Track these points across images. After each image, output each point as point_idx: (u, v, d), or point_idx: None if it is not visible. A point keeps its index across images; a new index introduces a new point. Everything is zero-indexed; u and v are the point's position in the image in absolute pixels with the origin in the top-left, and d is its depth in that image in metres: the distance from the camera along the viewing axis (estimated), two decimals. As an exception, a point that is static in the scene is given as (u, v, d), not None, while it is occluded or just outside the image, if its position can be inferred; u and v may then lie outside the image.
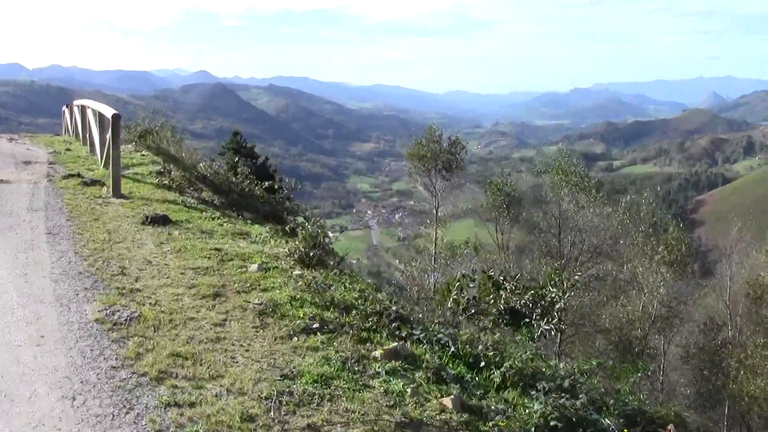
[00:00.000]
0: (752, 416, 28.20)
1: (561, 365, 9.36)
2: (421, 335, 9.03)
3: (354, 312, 9.46)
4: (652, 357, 30.28)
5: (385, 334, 8.94)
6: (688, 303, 33.08)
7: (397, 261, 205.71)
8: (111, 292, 9.52)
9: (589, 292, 30.04)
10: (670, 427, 8.72)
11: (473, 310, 13.63)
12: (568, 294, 14.14)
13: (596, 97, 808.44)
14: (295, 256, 11.84)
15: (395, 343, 8.48)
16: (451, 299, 13.62)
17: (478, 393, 7.87)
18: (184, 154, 20.95)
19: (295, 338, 8.40)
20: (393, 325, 9.24)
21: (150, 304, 9.14)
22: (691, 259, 34.07)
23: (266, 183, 19.26)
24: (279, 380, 7.10)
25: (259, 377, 7.15)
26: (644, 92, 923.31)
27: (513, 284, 13.98)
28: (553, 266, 30.94)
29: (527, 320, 12.82)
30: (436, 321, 11.49)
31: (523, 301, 13.36)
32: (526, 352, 9.27)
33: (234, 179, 18.74)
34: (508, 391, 8.22)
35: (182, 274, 10.55)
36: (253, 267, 10.97)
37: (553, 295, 13.25)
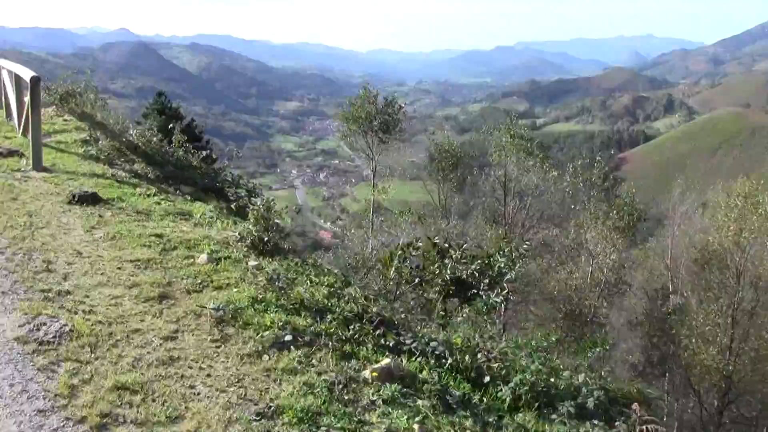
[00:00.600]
0: (703, 385, 27.67)
1: (580, 377, 8.01)
2: (413, 345, 7.60)
3: (329, 316, 7.92)
4: (601, 325, 29.52)
5: (370, 346, 7.49)
6: (633, 268, 32.45)
7: (322, 221, 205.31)
8: (35, 296, 7.75)
9: (535, 259, 29.02)
10: (635, 406, 7.64)
11: (417, 281, 12.71)
12: (518, 265, 13.39)
13: (519, 55, 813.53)
14: (248, 241, 10.31)
15: (386, 359, 7.02)
16: (393, 269, 12.49)
17: (491, 420, 6.51)
18: (111, 120, 18.79)
19: (266, 356, 6.90)
20: (377, 332, 7.78)
21: (83, 311, 7.43)
22: (640, 224, 33.18)
23: (203, 152, 17.49)
24: (255, 420, 5.62)
25: (230, 417, 5.64)
26: (567, 51, 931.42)
27: (459, 253, 13.04)
28: (500, 234, 29.91)
29: (475, 291, 12.07)
30: (420, 318, 10.17)
31: (469, 271, 12.60)
32: (534, 362, 7.93)
33: (168, 148, 16.94)
34: (523, 413, 6.91)
35: (119, 268, 8.82)
36: (202, 257, 9.37)
37: (502, 265, 12.58)
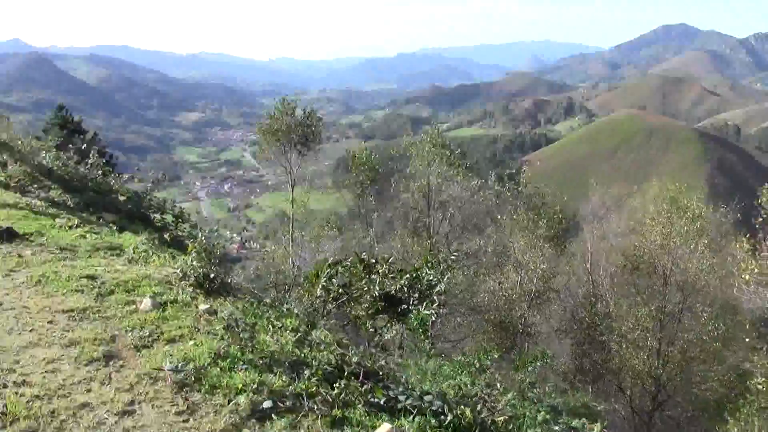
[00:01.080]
0: (635, 390, 27.43)
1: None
2: (407, 402, 6.50)
3: (306, 372, 6.65)
4: (530, 335, 28.89)
5: (360, 407, 6.32)
6: (557, 274, 31.94)
7: (228, 232, 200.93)
8: (-51, 368, 6.26)
9: (463, 270, 28.24)
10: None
11: (345, 298, 12.06)
12: (446, 276, 12.94)
13: (422, 61, 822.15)
14: (191, 279, 9.09)
15: (385, 425, 5.86)
16: (320, 287, 11.65)
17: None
18: (20, 141, 16.98)
19: (246, 430, 5.67)
20: (364, 387, 6.66)
21: (15, 383, 6.01)
22: (569, 233, 32.66)
23: (126, 175, 16.04)
24: None
25: None
26: (469, 56, 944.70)
27: (386, 268, 12.50)
28: (425, 246, 29.15)
29: (405, 306, 11.76)
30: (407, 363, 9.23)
31: (398, 286, 12.15)
32: (540, 411, 7.02)
33: (85, 170, 15.44)
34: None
35: (51, 322, 7.34)
36: (146, 302, 8.04)
37: (431, 278, 12.17)
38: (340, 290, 12.04)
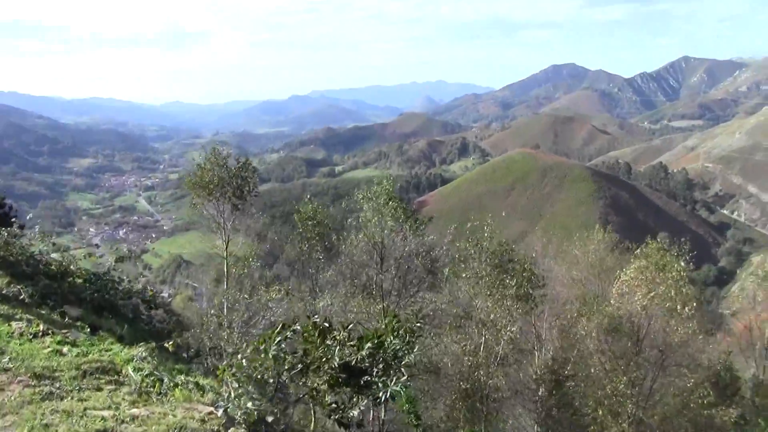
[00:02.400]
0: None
1: None
2: None
3: None
4: (497, 401, 26.60)
5: None
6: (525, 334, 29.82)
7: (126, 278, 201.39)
8: None
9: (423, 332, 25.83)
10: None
11: (299, 368, 9.41)
12: (416, 347, 11.33)
13: (315, 103, 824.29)
14: (241, 426, 6.27)
15: None
16: (270, 355, 9.24)
17: None
18: None
19: None
20: None
21: None
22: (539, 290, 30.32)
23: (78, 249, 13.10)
24: None
25: None
26: (362, 98, 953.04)
27: (344, 334, 10.48)
28: (381, 308, 26.92)
29: (368, 378, 9.98)
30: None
31: (360, 356, 10.23)
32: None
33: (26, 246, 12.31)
34: None
35: None
36: None
37: (396, 347, 10.45)
38: (294, 359, 9.68)
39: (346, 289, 29.85)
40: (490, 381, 25.78)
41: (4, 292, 9.92)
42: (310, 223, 33.20)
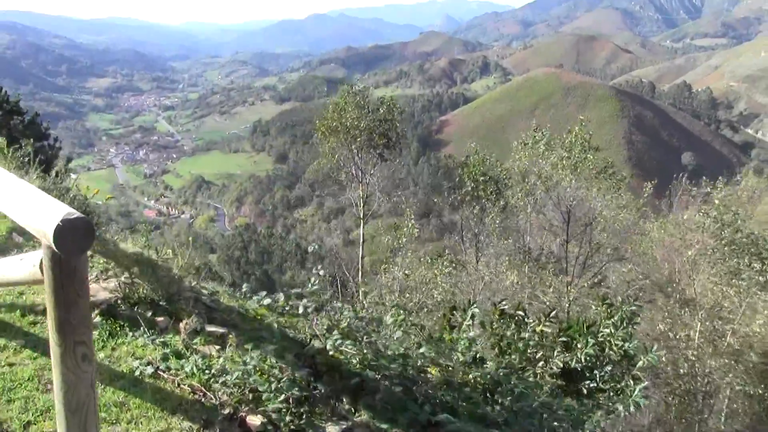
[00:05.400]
0: None
1: None
2: None
3: None
4: (709, 395, 20.66)
5: None
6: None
7: (146, 198, 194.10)
8: None
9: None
10: None
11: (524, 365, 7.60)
12: (635, 339, 8.04)
13: (334, 22, 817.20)
14: None
15: None
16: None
17: None
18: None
19: None
20: None
21: None
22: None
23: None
24: None
25: None
26: (381, 16, 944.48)
27: (547, 324, 7.78)
28: (600, 294, 19.16)
29: (592, 384, 7.62)
30: None
31: (581, 357, 7.65)
32: None
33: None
34: None
35: None
36: None
37: (627, 346, 7.74)
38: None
39: (518, 258, 24.78)
40: (711, 379, 20.00)
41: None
42: (482, 179, 26.59)
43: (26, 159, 11.07)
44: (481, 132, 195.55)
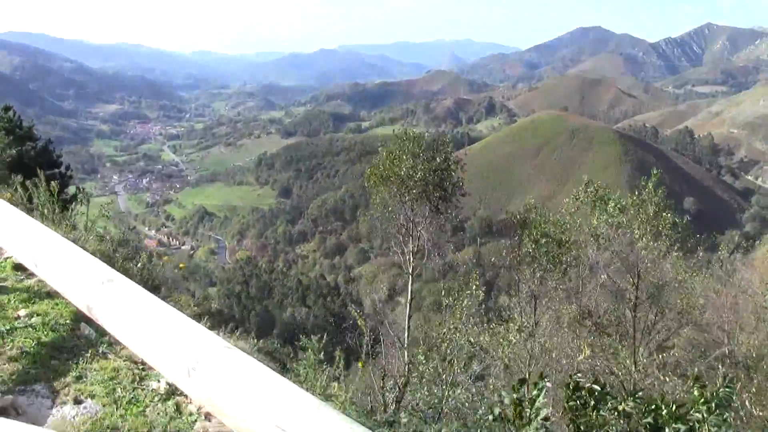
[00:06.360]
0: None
1: None
2: None
3: None
4: None
5: None
6: None
7: (147, 228, 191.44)
8: None
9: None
10: None
11: None
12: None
13: (342, 58, 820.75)
14: None
15: None
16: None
17: None
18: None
19: None
20: None
21: None
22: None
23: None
24: None
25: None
26: (388, 54, 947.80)
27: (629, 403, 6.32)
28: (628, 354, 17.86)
29: None
30: None
31: None
32: None
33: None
34: None
35: None
36: None
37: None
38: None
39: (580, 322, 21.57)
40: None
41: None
42: (544, 241, 22.58)
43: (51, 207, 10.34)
44: (487, 172, 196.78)
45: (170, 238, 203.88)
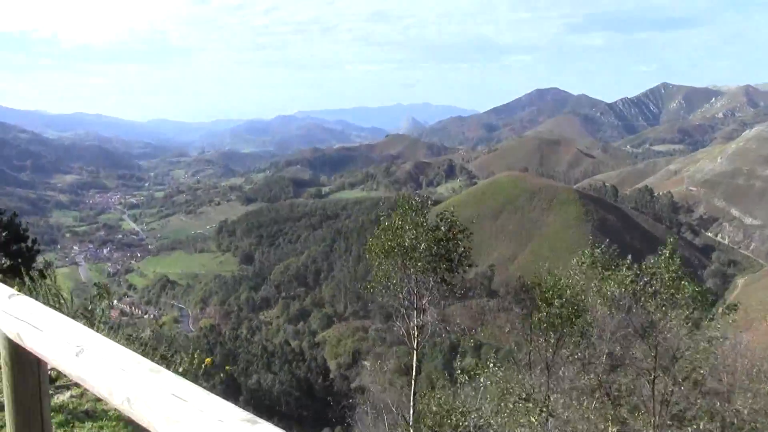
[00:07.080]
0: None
1: None
2: None
3: None
4: None
5: None
6: None
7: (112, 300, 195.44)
8: None
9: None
10: None
11: None
12: None
13: (300, 124, 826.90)
14: None
15: None
16: None
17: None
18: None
19: None
20: None
21: None
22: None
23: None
24: None
25: None
26: (347, 118, 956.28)
27: None
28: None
29: None
30: None
31: None
32: None
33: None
34: None
35: None
36: None
37: None
38: None
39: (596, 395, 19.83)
40: None
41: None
42: (557, 302, 20.84)
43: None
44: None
45: (133, 308, 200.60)
